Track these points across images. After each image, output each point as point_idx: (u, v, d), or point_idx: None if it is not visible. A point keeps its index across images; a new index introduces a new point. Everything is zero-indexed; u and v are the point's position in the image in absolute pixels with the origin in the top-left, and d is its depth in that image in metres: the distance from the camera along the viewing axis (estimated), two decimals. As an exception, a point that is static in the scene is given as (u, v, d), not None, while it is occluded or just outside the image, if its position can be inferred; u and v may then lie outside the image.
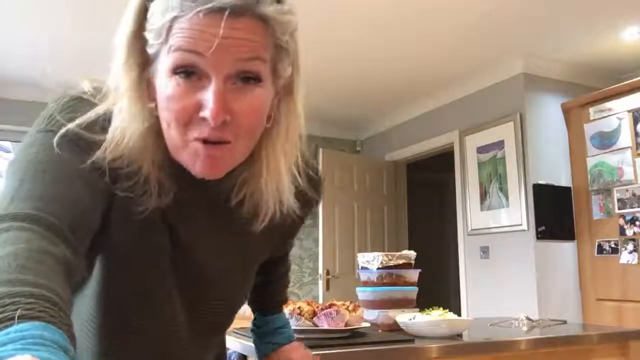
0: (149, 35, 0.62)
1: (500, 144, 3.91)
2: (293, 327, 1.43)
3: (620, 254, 3.40)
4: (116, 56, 0.64)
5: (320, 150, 4.86)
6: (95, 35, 3.32)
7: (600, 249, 3.54)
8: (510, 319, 2.12)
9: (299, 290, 5.12)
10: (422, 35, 3.44)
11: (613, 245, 3.45)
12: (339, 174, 4.89)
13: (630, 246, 3.35)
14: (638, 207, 3.32)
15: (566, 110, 3.85)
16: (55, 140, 0.61)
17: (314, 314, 1.45)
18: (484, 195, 4.04)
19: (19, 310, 0.39)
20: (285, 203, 0.71)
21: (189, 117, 0.61)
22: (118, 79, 0.64)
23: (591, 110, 3.67)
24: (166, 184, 0.67)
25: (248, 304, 1.05)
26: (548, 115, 3.85)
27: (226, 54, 0.59)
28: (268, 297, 1.06)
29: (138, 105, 0.64)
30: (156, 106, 0.64)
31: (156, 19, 0.60)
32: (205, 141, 0.62)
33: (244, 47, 0.60)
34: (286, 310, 1.45)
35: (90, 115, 0.64)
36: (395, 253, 1.83)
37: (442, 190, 6.16)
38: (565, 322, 2.08)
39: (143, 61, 0.64)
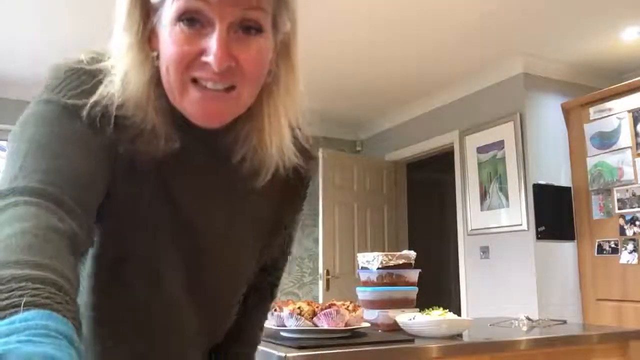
0: None
1: (500, 144, 3.91)
2: (293, 327, 1.43)
3: (620, 254, 3.40)
4: (119, 7, 0.65)
5: (320, 150, 4.86)
6: (96, 35, 3.32)
7: (600, 249, 3.54)
8: (510, 319, 2.12)
9: (299, 290, 5.12)
10: (422, 35, 3.44)
11: (613, 245, 3.45)
12: (339, 174, 4.89)
13: (630, 246, 3.35)
14: (638, 207, 3.32)
15: (566, 110, 3.85)
16: (56, 111, 0.61)
17: (314, 314, 1.45)
18: (484, 195, 4.04)
19: (25, 297, 0.39)
20: (287, 156, 0.71)
21: (191, 60, 0.62)
22: (121, 30, 0.65)
23: (591, 110, 3.67)
24: (171, 132, 0.66)
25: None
26: (548, 115, 3.85)
27: (230, 1, 0.60)
28: (237, 334, 0.91)
29: (142, 54, 0.64)
30: (158, 56, 0.64)
31: None
32: (206, 88, 0.62)
33: None
34: (286, 310, 1.45)
35: (89, 79, 0.64)
36: (395, 253, 1.83)
37: (442, 190, 6.16)
38: (565, 322, 2.08)
39: (146, 11, 0.64)
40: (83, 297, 0.70)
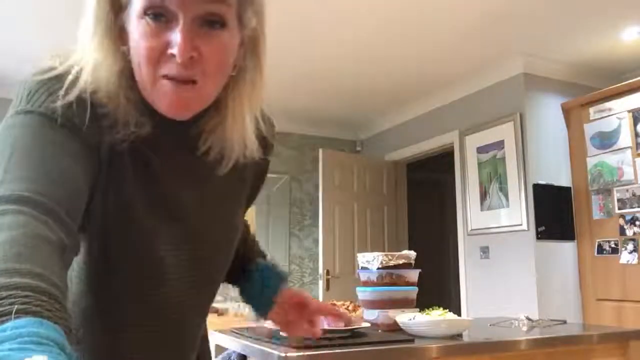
0: None
1: (500, 144, 3.91)
2: (293, 327, 1.43)
3: (620, 254, 3.40)
4: (89, 4, 0.67)
5: (320, 150, 4.86)
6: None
7: (600, 249, 3.54)
8: (510, 319, 2.12)
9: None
10: (422, 35, 3.44)
11: (613, 245, 3.45)
12: (339, 174, 4.89)
13: (630, 246, 3.35)
14: (638, 207, 3.32)
15: (566, 110, 3.85)
16: (34, 119, 0.62)
17: (314, 314, 1.44)
18: (484, 195, 4.04)
19: (16, 305, 0.39)
20: (248, 148, 0.75)
21: (159, 55, 0.64)
22: (92, 25, 0.67)
23: (591, 110, 3.67)
24: (141, 119, 0.69)
25: (228, 281, 0.99)
26: (548, 115, 3.85)
27: None
28: (242, 255, 0.97)
29: (112, 48, 0.66)
30: (128, 50, 0.67)
31: None
32: (173, 79, 0.65)
33: None
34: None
35: (59, 83, 0.65)
36: (395, 253, 1.83)
37: (442, 190, 6.17)
38: (565, 322, 2.08)
39: (116, 7, 0.67)
40: (79, 288, 0.71)
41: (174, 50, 0.63)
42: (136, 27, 0.65)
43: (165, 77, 0.65)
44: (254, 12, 0.70)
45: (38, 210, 0.52)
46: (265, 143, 0.82)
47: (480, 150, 4.09)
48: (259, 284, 0.97)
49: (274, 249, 4.96)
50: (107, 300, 0.73)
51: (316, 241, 4.94)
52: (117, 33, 0.67)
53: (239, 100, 0.72)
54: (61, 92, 0.64)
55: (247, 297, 0.98)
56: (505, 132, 3.87)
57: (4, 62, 3.83)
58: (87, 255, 0.71)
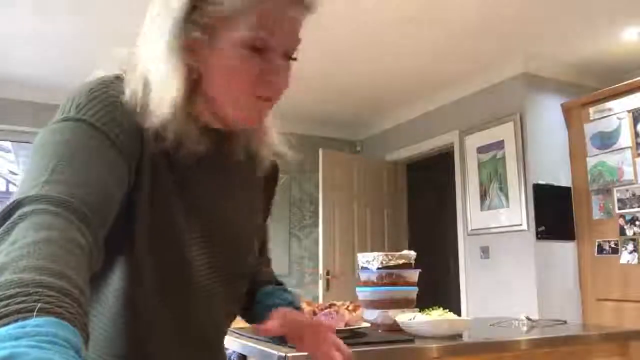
0: None
1: (500, 144, 3.91)
2: (293, 327, 1.43)
3: (620, 254, 3.40)
4: (163, 15, 0.69)
5: (320, 150, 4.86)
6: (96, 35, 3.32)
7: (600, 249, 3.54)
8: (510, 319, 2.12)
9: (299, 290, 5.12)
10: (422, 35, 3.44)
11: (613, 245, 3.45)
12: (339, 174, 4.89)
13: (630, 246, 3.35)
14: (638, 207, 3.32)
15: (566, 110, 3.85)
16: (86, 129, 0.64)
17: (314, 314, 1.45)
18: (484, 195, 4.04)
19: (39, 303, 0.40)
20: (275, 149, 0.85)
21: (256, 79, 0.71)
22: (163, 39, 0.69)
23: (591, 110, 3.67)
24: (198, 136, 0.73)
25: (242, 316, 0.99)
26: (548, 115, 3.85)
27: (288, 32, 0.73)
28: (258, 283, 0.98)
29: (181, 62, 0.69)
30: (204, 67, 0.71)
31: None
32: (264, 99, 0.73)
33: (296, 29, 0.74)
34: (286, 310, 1.45)
35: (112, 97, 0.67)
36: (395, 253, 1.83)
37: (442, 191, 6.16)
38: (565, 322, 2.08)
39: (189, 16, 0.69)
40: (116, 304, 0.72)
41: (274, 78, 0.72)
42: (233, 53, 0.70)
43: (260, 97, 0.73)
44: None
45: (75, 216, 0.54)
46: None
47: (480, 150, 4.09)
48: (261, 298, 0.95)
49: (274, 249, 4.94)
50: (141, 309, 0.73)
51: (316, 241, 4.94)
52: (189, 47, 0.70)
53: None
54: (114, 110, 0.66)
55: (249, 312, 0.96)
56: (505, 132, 3.87)
57: (4, 62, 3.83)
58: (129, 268, 0.72)
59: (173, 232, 0.73)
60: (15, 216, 0.51)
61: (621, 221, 3.41)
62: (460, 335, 1.62)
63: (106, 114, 0.65)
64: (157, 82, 0.69)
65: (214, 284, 0.80)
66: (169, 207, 0.73)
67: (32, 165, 0.59)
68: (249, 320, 0.98)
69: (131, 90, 0.68)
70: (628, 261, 3.35)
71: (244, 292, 0.89)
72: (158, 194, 0.71)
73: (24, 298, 0.40)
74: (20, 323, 0.38)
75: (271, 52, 0.71)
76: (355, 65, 3.94)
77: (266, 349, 1.35)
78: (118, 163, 0.65)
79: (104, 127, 0.65)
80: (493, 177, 3.96)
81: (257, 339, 1.46)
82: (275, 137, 0.85)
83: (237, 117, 0.75)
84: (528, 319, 2.03)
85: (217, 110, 0.75)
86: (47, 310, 0.40)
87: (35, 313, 0.39)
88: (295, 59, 0.75)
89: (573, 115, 3.80)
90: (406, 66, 3.96)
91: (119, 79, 0.70)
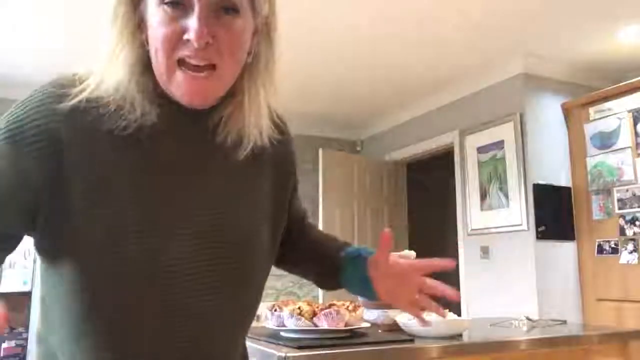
0: None
1: (500, 144, 3.91)
2: (293, 327, 1.43)
3: (620, 254, 3.40)
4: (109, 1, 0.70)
5: (320, 150, 4.86)
6: (95, 34, 3.32)
7: (600, 249, 3.54)
8: (510, 319, 2.12)
9: (299, 290, 5.11)
10: (422, 35, 3.44)
11: (613, 245, 3.45)
12: (339, 174, 4.89)
13: (630, 246, 3.35)
14: (638, 207, 3.32)
15: (566, 110, 3.85)
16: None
17: (314, 314, 1.45)
18: (484, 195, 4.04)
19: None
20: (264, 131, 0.76)
21: (175, 41, 0.67)
22: (111, 18, 0.70)
23: (591, 110, 3.67)
24: (148, 107, 0.69)
25: (319, 284, 0.97)
26: (548, 115, 3.85)
27: None
28: (327, 250, 0.97)
29: (130, 38, 0.69)
30: (147, 39, 0.69)
31: None
32: (190, 67, 0.67)
33: None
34: (286, 310, 1.45)
35: (46, 96, 0.69)
36: (395, 253, 1.82)
37: (442, 191, 6.16)
38: (565, 322, 2.08)
39: (135, 2, 0.70)
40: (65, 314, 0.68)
41: (190, 35, 0.65)
42: (154, 14, 0.67)
43: (182, 62, 0.67)
44: (265, 1, 0.73)
45: None
46: (277, 123, 0.83)
47: (480, 150, 4.09)
48: (354, 269, 0.92)
49: (274, 249, 4.95)
50: (113, 318, 0.67)
51: (316, 241, 4.93)
52: (136, 23, 0.70)
53: (254, 86, 0.74)
54: (26, 109, 0.68)
55: (349, 285, 0.94)
56: (505, 132, 3.87)
57: (4, 62, 3.83)
58: (82, 268, 0.66)
59: (142, 224, 0.66)
60: None
61: (621, 221, 3.41)
62: (460, 335, 1.62)
63: (10, 122, 0.67)
64: (107, 55, 0.69)
65: (200, 287, 0.70)
66: (133, 187, 0.67)
67: None
68: (350, 288, 0.93)
69: (79, 74, 0.70)
70: (628, 261, 3.35)
71: (252, 304, 0.80)
72: (121, 173, 0.67)
73: None
74: None
75: (189, 8, 0.66)
76: (355, 65, 3.93)
77: (266, 349, 1.35)
78: (27, 165, 0.65)
79: (13, 134, 0.66)
80: (493, 177, 3.96)
81: (256, 338, 1.46)
82: (267, 116, 0.76)
83: (174, 93, 0.69)
84: (528, 319, 2.03)
85: (163, 87, 0.70)
86: None
87: None
88: (236, 11, 0.68)
89: (573, 115, 3.80)
90: (406, 66, 3.96)
91: (72, 76, 0.71)
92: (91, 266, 0.66)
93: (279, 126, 0.84)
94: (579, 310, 3.63)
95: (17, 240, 0.71)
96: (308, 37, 3.39)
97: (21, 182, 0.65)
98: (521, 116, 3.78)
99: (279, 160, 0.85)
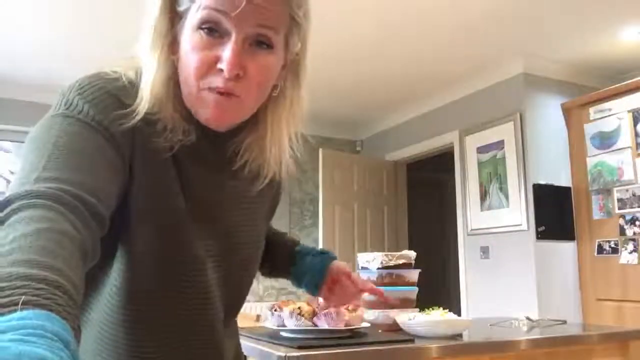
0: None
1: (500, 144, 3.91)
2: (293, 327, 1.44)
3: (620, 254, 3.40)
4: (149, 10, 0.70)
5: (320, 150, 4.86)
6: (95, 35, 3.32)
7: (600, 249, 3.54)
8: (510, 319, 2.12)
9: (299, 290, 5.11)
10: (422, 35, 3.44)
11: (613, 245, 3.45)
12: (339, 174, 4.89)
13: (630, 246, 3.35)
14: (638, 207, 3.32)
15: (566, 110, 3.85)
16: (80, 125, 0.64)
17: (314, 314, 1.44)
18: (484, 195, 4.04)
19: (26, 295, 0.39)
20: (284, 166, 0.79)
21: (207, 68, 0.68)
22: (149, 33, 0.70)
23: (591, 110, 3.67)
24: (187, 127, 0.72)
25: (266, 273, 1.08)
26: (548, 115, 3.85)
27: (248, 16, 0.66)
28: (278, 246, 1.07)
29: (164, 55, 0.70)
30: (178, 60, 0.71)
31: None
32: (216, 91, 0.68)
33: (263, 14, 0.67)
34: (286, 310, 1.45)
35: (103, 94, 0.68)
36: (395, 253, 1.83)
37: (442, 191, 6.16)
38: (565, 322, 2.08)
39: (172, 17, 0.70)
40: (117, 301, 0.73)
41: (223, 65, 0.66)
42: (190, 38, 0.68)
43: (210, 89, 0.68)
44: (300, 39, 0.74)
45: (68, 209, 0.53)
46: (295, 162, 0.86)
47: (480, 150, 4.09)
48: (308, 264, 1.05)
49: (274, 249, 4.95)
50: (137, 308, 0.73)
51: (316, 241, 4.93)
52: (169, 42, 0.71)
53: (278, 119, 0.76)
54: (110, 105, 0.67)
55: (299, 277, 1.07)
56: (505, 132, 3.87)
57: (4, 62, 3.83)
58: (124, 267, 0.72)
59: (176, 230, 0.73)
60: (6, 211, 0.50)
61: (621, 221, 3.41)
62: (460, 335, 1.62)
63: (94, 108, 0.66)
64: (145, 74, 0.69)
65: (214, 288, 0.78)
66: (170, 200, 0.72)
67: (23, 163, 0.59)
68: (297, 279, 1.07)
69: (125, 80, 0.70)
70: (628, 261, 3.35)
71: (244, 295, 0.88)
72: (158, 188, 0.71)
73: (10, 292, 0.39)
74: (6, 317, 0.36)
75: (226, 37, 0.67)
76: (355, 65, 3.93)
77: (266, 349, 1.35)
78: (111, 155, 0.65)
79: (93, 122, 0.65)
80: (493, 177, 3.96)
81: (256, 338, 1.46)
82: (286, 154, 0.79)
83: (197, 113, 0.71)
84: (528, 319, 2.03)
85: (189, 106, 0.72)
86: (34, 303, 0.39)
87: (20, 306, 0.38)
88: (270, 47, 0.69)
89: (573, 115, 3.80)
90: (406, 66, 3.96)
91: (115, 73, 0.71)
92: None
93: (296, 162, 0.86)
94: (579, 310, 3.63)
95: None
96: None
97: (118, 157, 0.67)
98: (521, 116, 3.78)
99: (277, 185, 0.91)
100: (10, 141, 4.32)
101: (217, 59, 0.67)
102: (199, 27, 0.67)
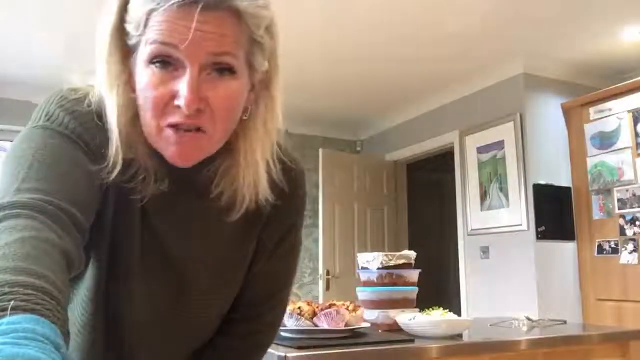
0: (129, 27, 0.63)
1: (500, 144, 3.91)
2: (293, 327, 1.44)
3: (620, 254, 3.40)
4: (100, 49, 0.66)
5: (320, 150, 4.86)
6: (94, 35, 3.32)
7: (600, 249, 3.54)
8: (510, 319, 2.12)
9: (299, 290, 5.12)
10: (422, 35, 3.44)
11: (613, 245, 3.45)
12: (339, 174, 4.88)
13: (630, 246, 3.35)
14: (638, 207, 3.32)
15: (566, 110, 3.85)
16: (59, 137, 0.63)
17: (314, 314, 1.45)
18: (484, 195, 4.04)
19: (13, 301, 0.39)
20: (260, 193, 0.72)
21: (164, 105, 0.62)
22: (104, 72, 0.66)
23: (591, 110, 3.67)
24: (160, 172, 0.68)
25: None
26: (548, 115, 3.85)
27: (199, 46, 0.61)
28: None
29: (125, 96, 0.65)
30: (137, 97, 0.66)
31: (135, 11, 0.62)
32: (177, 128, 0.63)
33: (216, 41, 0.61)
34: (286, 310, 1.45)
35: (83, 109, 0.66)
36: (395, 253, 1.83)
37: (442, 190, 6.16)
38: (565, 322, 2.08)
39: (125, 53, 0.65)
40: (81, 306, 0.74)
41: (180, 101, 0.61)
42: (143, 74, 0.63)
43: (170, 125, 0.63)
44: (264, 57, 0.68)
45: (50, 218, 0.53)
46: (278, 190, 0.75)
47: (480, 150, 4.09)
48: None
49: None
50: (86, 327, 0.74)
51: (316, 241, 4.94)
52: (125, 80, 0.66)
53: (250, 144, 0.70)
54: (88, 123, 0.66)
55: None
56: (505, 132, 3.87)
57: (4, 62, 3.83)
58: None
59: (124, 260, 0.71)
60: None
61: (621, 221, 3.41)
62: (460, 335, 1.62)
63: (74, 120, 0.65)
64: (109, 115, 0.65)
65: (152, 327, 0.77)
66: (129, 231, 0.70)
67: (3, 174, 0.59)
68: None
69: (96, 109, 0.67)
70: (628, 261, 3.35)
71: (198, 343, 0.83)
72: (122, 215, 0.69)
73: None
74: None
75: (180, 69, 0.62)
76: (355, 65, 3.93)
77: (266, 349, 1.35)
78: (89, 169, 0.63)
79: (73, 135, 0.64)
80: (493, 177, 3.96)
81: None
82: (264, 177, 0.72)
83: (162, 152, 0.66)
84: (528, 319, 2.03)
85: (151, 142, 0.66)
86: (24, 308, 0.39)
87: (9, 311, 0.38)
88: (232, 72, 0.64)
89: (573, 115, 3.80)
90: (406, 66, 3.96)
91: (89, 92, 0.68)
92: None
93: (278, 188, 0.75)
94: (578, 311, 3.63)
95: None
96: (308, 39, 3.39)
97: (96, 173, 0.65)
98: (521, 116, 3.78)
99: (271, 222, 0.81)
100: (10, 141, 4.32)
101: (174, 95, 0.62)
102: (150, 62, 0.62)
